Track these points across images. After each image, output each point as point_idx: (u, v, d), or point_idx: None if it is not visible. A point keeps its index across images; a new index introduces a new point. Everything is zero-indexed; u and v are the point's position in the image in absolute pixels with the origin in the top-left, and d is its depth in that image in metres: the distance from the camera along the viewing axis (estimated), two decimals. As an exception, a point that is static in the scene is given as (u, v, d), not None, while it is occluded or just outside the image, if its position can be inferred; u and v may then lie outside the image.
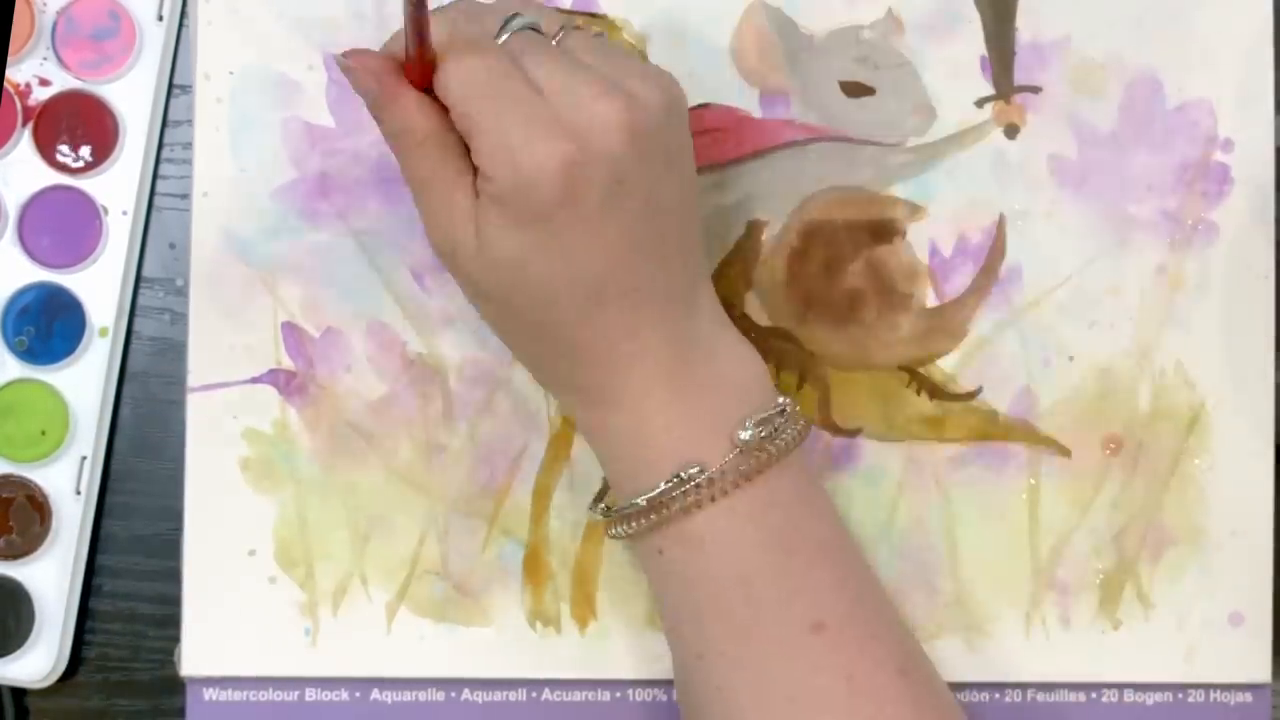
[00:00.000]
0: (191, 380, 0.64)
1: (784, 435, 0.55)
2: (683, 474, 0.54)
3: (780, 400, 0.56)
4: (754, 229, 0.65)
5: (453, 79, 0.52)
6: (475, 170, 0.53)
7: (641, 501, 0.55)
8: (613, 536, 0.57)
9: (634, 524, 0.55)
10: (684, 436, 0.55)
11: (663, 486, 0.54)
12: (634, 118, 0.52)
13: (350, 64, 0.54)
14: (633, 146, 0.52)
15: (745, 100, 0.65)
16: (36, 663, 0.64)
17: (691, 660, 0.56)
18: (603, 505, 0.59)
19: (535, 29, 0.54)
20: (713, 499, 0.54)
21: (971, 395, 0.65)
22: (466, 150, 0.53)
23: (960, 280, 0.65)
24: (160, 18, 0.65)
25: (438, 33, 0.52)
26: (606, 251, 0.53)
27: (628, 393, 0.55)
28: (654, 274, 0.54)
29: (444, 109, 0.53)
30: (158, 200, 0.66)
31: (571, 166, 0.51)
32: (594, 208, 0.51)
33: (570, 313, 0.54)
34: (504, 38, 0.53)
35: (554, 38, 0.54)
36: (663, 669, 0.64)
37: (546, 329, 0.54)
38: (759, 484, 0.54)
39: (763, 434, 0.54)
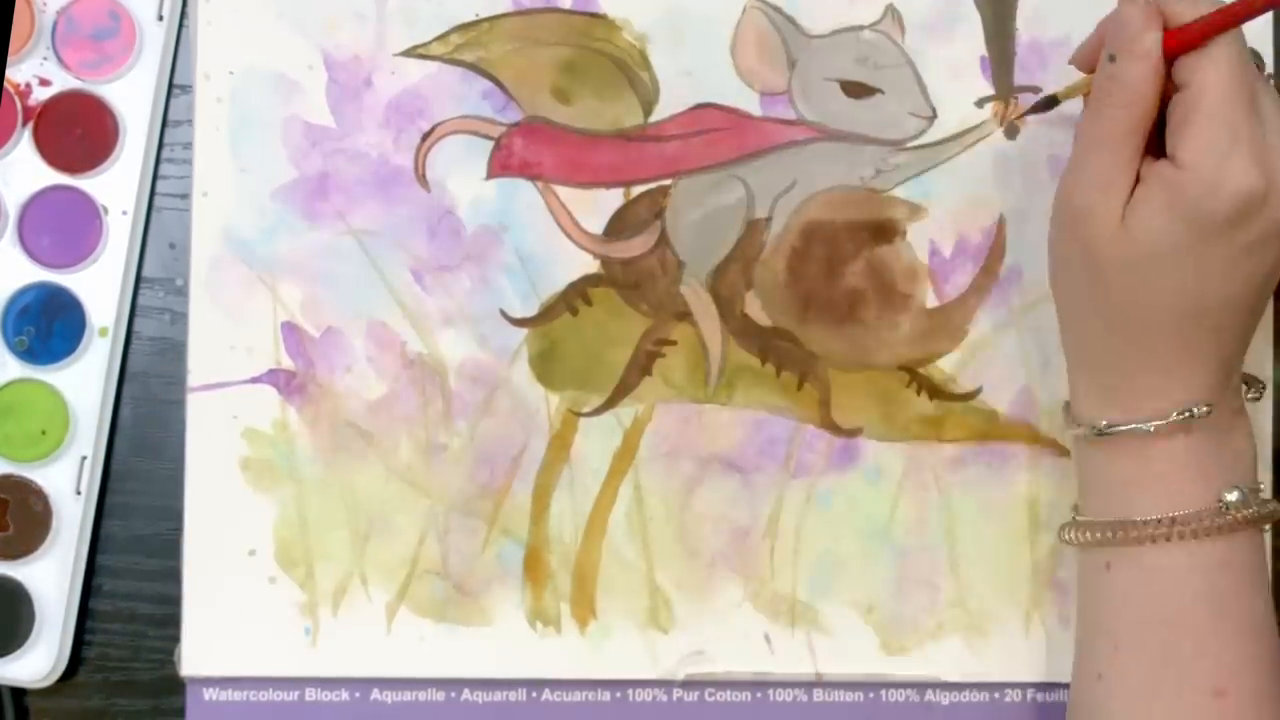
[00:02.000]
0: (191, 380, 0.64)
1: (1266, 508, 0.56)
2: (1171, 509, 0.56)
3: (1262, 482, 0.58)
4: (754, 229, 0.65)
5: (1215, 65, 0.53)
6: (1152, 154, 0.54)
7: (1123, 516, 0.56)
8: (1065, 541, 0.59)
9: (1098, 533, 0.57)
10: (1182, 476, 0.56)
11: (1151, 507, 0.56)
12: None
13: (1133, 4, 0.55)
14: None
15: (745, 100, 0.65)
16: (36, 663, 0.64)
17: (1091, 677, 0.58)
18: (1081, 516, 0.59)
19: (1259, 63, 0.57)
20: (1181, 537, 0.55)
21: (971, 395, 0.65)
22: (1149, 133, 0.55)
23: (960, 280, 0.65)
24: (160, 18, 0.65)
25: (1201, 10, 0.54)
26: (1230, 283, 0.54)
27: (1155, 410, 0.56)
28: (1241, 322, 0.56)
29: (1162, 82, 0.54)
30: (158, 200, 0.66)
31: (1255, 199, 0.53)
32: (1248, 241, 0.53)
33: (1163, 319, 0.55)
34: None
35: (1268, 79, 0.56)
36: (663, 669, 0.64)
37: (1126, 322, 0.56)
38: (1225, 541, 0.56)
39: (1246, 504, 0.56)
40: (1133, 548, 0.56)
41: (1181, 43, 0.54)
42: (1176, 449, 0.56)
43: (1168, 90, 0.55)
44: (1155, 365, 0.56)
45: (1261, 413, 0.65)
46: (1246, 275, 0.54)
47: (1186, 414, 0.55)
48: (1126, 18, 0.55)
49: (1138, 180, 0.54)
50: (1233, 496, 0.56)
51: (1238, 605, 0.56)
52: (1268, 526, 0.57)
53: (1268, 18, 0.65)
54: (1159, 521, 0.55)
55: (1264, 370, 0.65)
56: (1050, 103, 0.62)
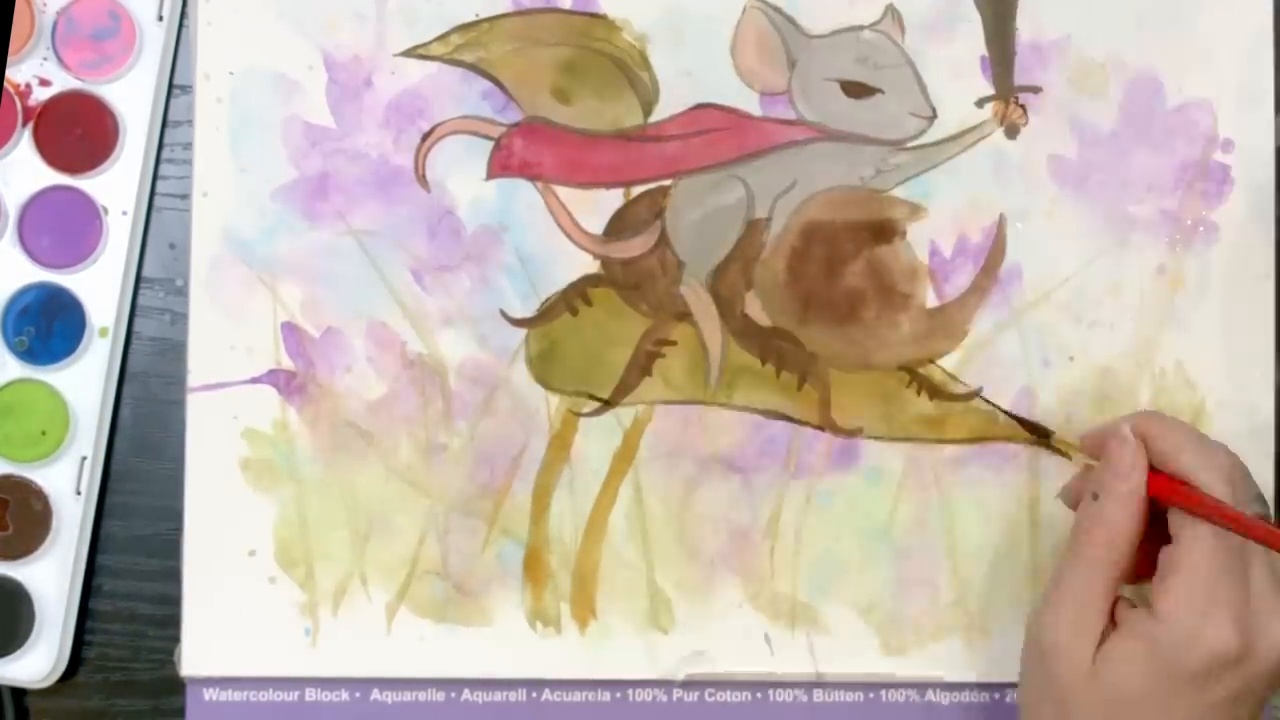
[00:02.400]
0: (191, 380, 0.64)
1: None
2: None
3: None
4: (754, 229, 0.65)
5: (1203, 526, 0.55)
6: (1121, 601, 0.56)
7: None
8: None
9: None
10: None
11: None
12: None
13: (1130, 439, 0.57)
14: (1271, 679, 0.55)
15: (745, 100, 0.65)
16: (36, 663, 0.64)
17: None
18: None
19: (1265, 518, 0.57)
20: None
21: (971, 395, 0.65)
22: (1123, 577, 0.56)
23: (960, 280, 0.65)
24: (160, 18, 0.65)
25: (1210, 478, 0.55)
26: None
27: None
28: None
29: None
30: (158, 200, 0.66)
31: (1229, 659, 0.54)
32: (1216, 700, 0.54)
33: None
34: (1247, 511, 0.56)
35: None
36: (663, 669, 0.64)
37: None
38: None
39: None
40: None
41: (1179, 497, 0.55)
42: None
43: (1154, 534, 0.56)
44: None
45: (1262, 413, 0.65)
46: None
47: None
48: (1114, 459, 0.57)
49: (1112, 622, 0.56)
50: None
51: None
52: None
53: (1268, 18, 0.65)
54: None
55: (1264, 370, 0.65)
56: (1042, 434, 0.64)
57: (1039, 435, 0.64)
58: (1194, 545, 0.55)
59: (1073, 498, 0.61)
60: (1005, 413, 0.64)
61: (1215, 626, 0.53)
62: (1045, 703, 0.56)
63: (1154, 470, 0.57)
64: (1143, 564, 0.57)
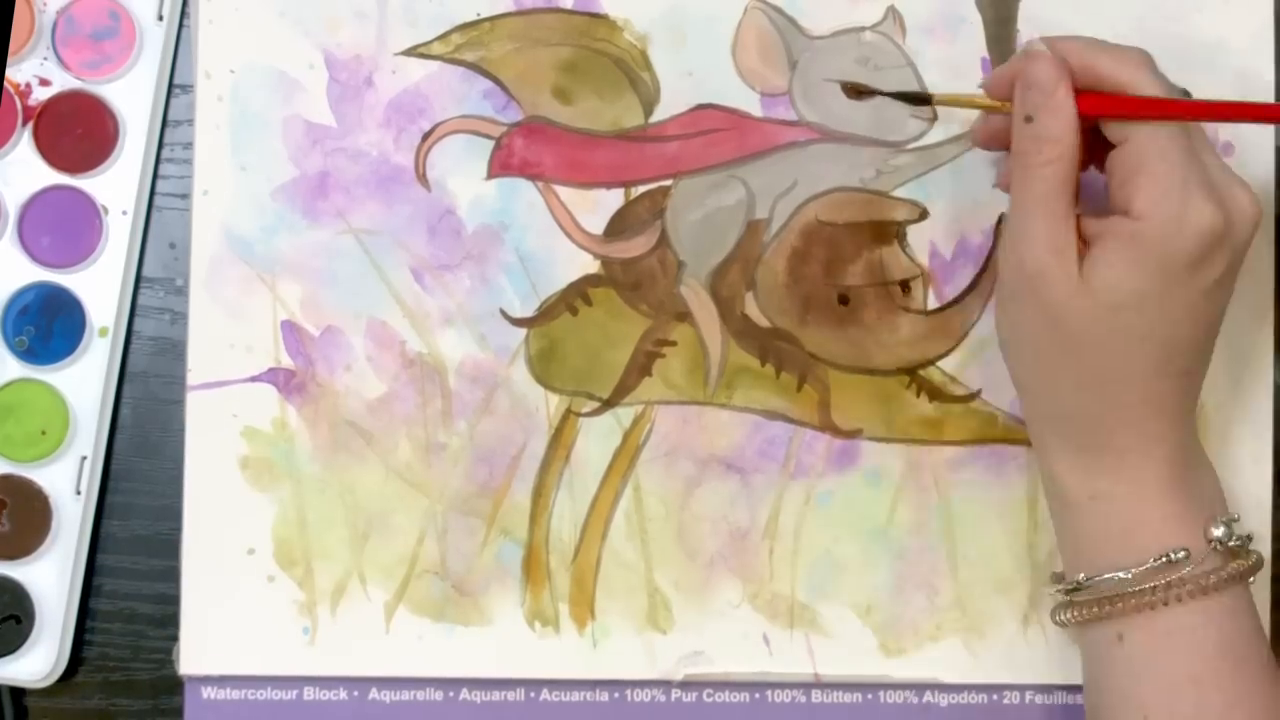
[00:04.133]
0: (191, 379, 0.64)
1: (1246, 541, 0.57)
2: (1171, 555, 0.55)
3: (1237, 516, 0.57)
4: (754, 229, 0.65)
5: (1149, 123, 0.54)
6: (1098, 217, 0.55)
7: (1125, 574, 0.56)
8: (1060, 623, 0.58)
9: (1104, 607, 0.56)
10: (1173, 524, 0.56)
11: (1151, 564, 0.55)
12: (1258, 215, 0.55)
13: (1044, 50, 0.56)
14: (1250, 242, 0.55)
15: (746, 100, 0.65)
16: (36, 663, 0.64)
17: None
18: (1071, 582, 0.58)
19: (1185, 92, 0.57)
20: (1191, 595, 0.55)
21: (971, 397, 0.65)
22: (1076, 189, 0.55)
23: (960, 281, 0.65)
24: (160, 17, 0.65)
25: (1134, 74, 0.55)
26: (1195, 326, 0.55)
27: (1139, 468, 0.56)
28: (1203, 362, 0.57)
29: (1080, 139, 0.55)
30: (158, 200, 0.66)
31: (1217, 235, 0.53)
32: (1209, 281, 0.54)
33: (1134, 370, 0.55)
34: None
35: None
36: (661, 669, 0.64)
37: (1098, 378, 0.55)
38: (1233, 588, 0.56)
39: (1232, 536, 0.56)
40: (1144, 614, 0.56)
41: (1108, 109, 0.55)
42: (1165, 497, 0.56)
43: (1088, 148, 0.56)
44: (1131, 418, 0.56)
45: (1261, 413, 0.65)
46: (1207, 315, 0.55)
47: (1170, 454, 0.56)
48: (1038, 75, 0.56)
49: (1083, 240, 0.55)
50: (1218, 531, 0.56)
51: (1250, 651, 0.56)
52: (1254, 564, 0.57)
53: (1268, 19, 0.65)
54: (1167, 585, 0.55)
55: (1264, 370, 0.65)
56: (921, 100, 0.63)
57: (917, 102, 0.63)
58: (1149, 141, 0.54)
59: (980, 136, 0.61)
60: (891, 95, 0.64)
61: (1196, 209, 0.53)
62: (1039, 333, 0.56)
63: (1078, 91, 0.56)
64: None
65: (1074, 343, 0.55)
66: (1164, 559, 0.55)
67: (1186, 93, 0.58)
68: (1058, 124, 0.55)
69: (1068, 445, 0.57)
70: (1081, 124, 0.55)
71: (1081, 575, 0.57)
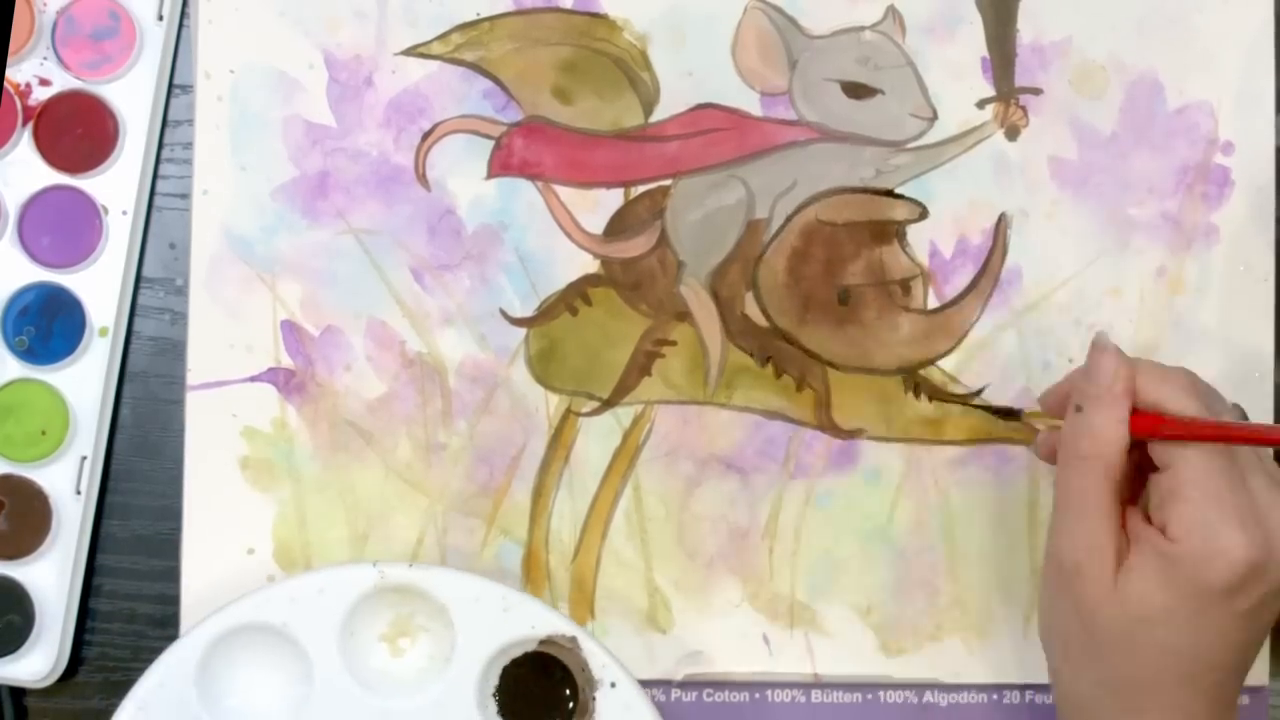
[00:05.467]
0: (191, 379, 0.64)
1: None
2: None
3: None
4: (754, 229, 0.65)
5: (1189, 449, 0.54)
6: (1132, 513, 0.55)
7: None
8: None
9: None
10: None
11: None
12: None
13: (1110, 348, 0.56)
14: None
15: (746, 100, 0.65)
16: (36, 663, 0.64)
17: None
18: None
19: (1243, 416, 0.57)
20: None
21: (972, 397, 0.65)
22: (1123, 489, 0.55)
23: (960, 281, 0.65)
24: (160, 17, 0.65)
25: (1175, 396, 0.55)
26: (1228, 648, 0.54)
27: None
28: (1237, 679, 0.56)
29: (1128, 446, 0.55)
30: (158, 200, 0.66)
31: (1254, 565, 0.53)
32: (1246, 607, 0.53)
33: (1161, 681, 0.54)
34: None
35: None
36: (661, 669, 0.64)
37: (1122, 682, 0.55)
38: None
39: None
40: None
41: (1159, 434, 0.55)
42: None
43: (1143, 462, 0.56)
44: None
45: (1262, 414, 0.65)
46: (1244, 638, 0.55)
47: None
48: (1095, 368, 0.56)
49: (1125, 535, 0.55)
50: None
51: None
52: None
53: (1268, 20, 0.65)
54: None
55: (1264, 371, 0.65)
56: (1011, 414, 0.64)
57: (1009, 417, 0.64)
58: (1187, 467, 0.54)
59: (1042, 450, 0.61)
60: (981, 406, 0.64)
61: (1229, 541, 0.52)
62: (1070, 626, 0.56)
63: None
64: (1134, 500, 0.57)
65: (1100, 644, 0.55)
66: None
67: (1242, 411, 0.58)
68: (1106, 420, 0.55)
69: None
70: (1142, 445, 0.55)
71: None
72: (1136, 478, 0.56)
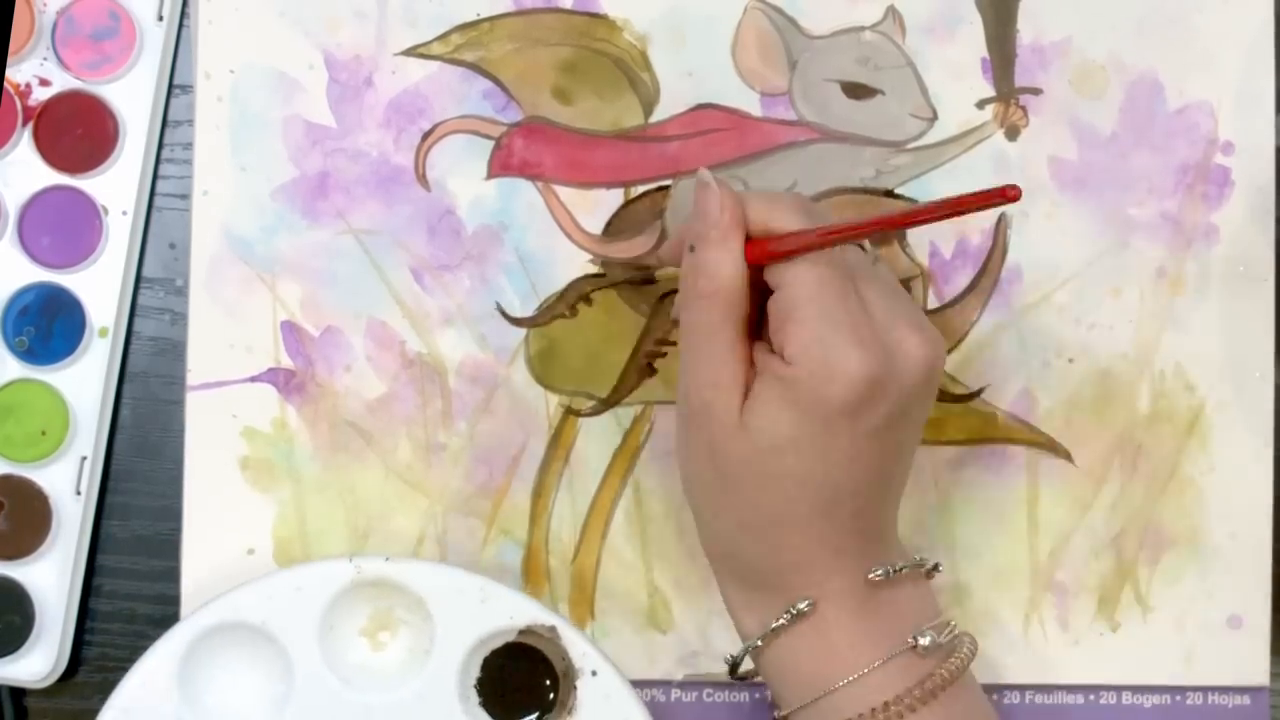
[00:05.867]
0: (191, 379, 0.64)
1: (960, 652, 0.55)
2: (863, 673, 0.53)
3: (951, 622, 0.55)
4: (754, 229, 0.65)
5: (799, 266, 0.53)
6: (758, 346, 0.54)
7: (833, 707, 0.54)
8: None
9: None
10: (866, 652, 0.54)
11: (842, 703, 0.53)
12: (933, 358, 0.53)
13: (712, 183, 0.54)
14: (925, 385, 0.54)
15: (746, 100, 0.65)
16: (36, 663, 0.64)
17: None
18: (781, 714, 0.56)
19: (862, 247, 0.56)
20: (911, 708, 0.53)
21: (972, 396, 0.65)
22: (747, 322, 0.54)
23: (960, 281, 0.65)
24: (160, 18, 0.65)
25: (784, 216, 0.53)
26: (861, 468, 0.53)
27: (818, 605, 0.54)
28: (881, 499, 0.55)
29: (749, 275, 0.54)
30: (158, 200, 0.66)
31: (873, 382, 0.52)
32: (872, 426, 0.53)
33: (798, 513, 0.53)
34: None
35: (874, 260, 0.56)
36: (661, 669, 0.64)
37: (760, 520, 0.54)
38: (939, 703, 0.53)
39: (940, 642, 0.54)
40: None
41: (770, 254, 0.53)
42: (852, 626, 0.54)
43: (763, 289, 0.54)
44: (798, 560, 0.54)
45: (1262, 414, 0.65)
46: (875, 462, 0.54)
47: (852, 586, 0.54)
48: (702, 204, 0.54)
49: (755, 372, 0.54)
50: (925, 641, 0.54)
51: None
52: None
53: (1268, 20, 0.65)
54: (873, 711, 0.53)
55: (1264, 372, 0.65)
56: (648, 280, 0.64)
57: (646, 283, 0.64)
58: (798, 285, 0.52)
59: (669, 255, 0.60)
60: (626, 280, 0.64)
61: (845, 358, 0.51)
62: (705, 469, 0.55)
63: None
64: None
65: (734, 482, 0.54)
66: (854, 680, 0.53)
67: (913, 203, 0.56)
68: (716, 255, 0.54)
69: (741, 584, 0.56)
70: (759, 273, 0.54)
71: (779, 712, 0.56)
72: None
